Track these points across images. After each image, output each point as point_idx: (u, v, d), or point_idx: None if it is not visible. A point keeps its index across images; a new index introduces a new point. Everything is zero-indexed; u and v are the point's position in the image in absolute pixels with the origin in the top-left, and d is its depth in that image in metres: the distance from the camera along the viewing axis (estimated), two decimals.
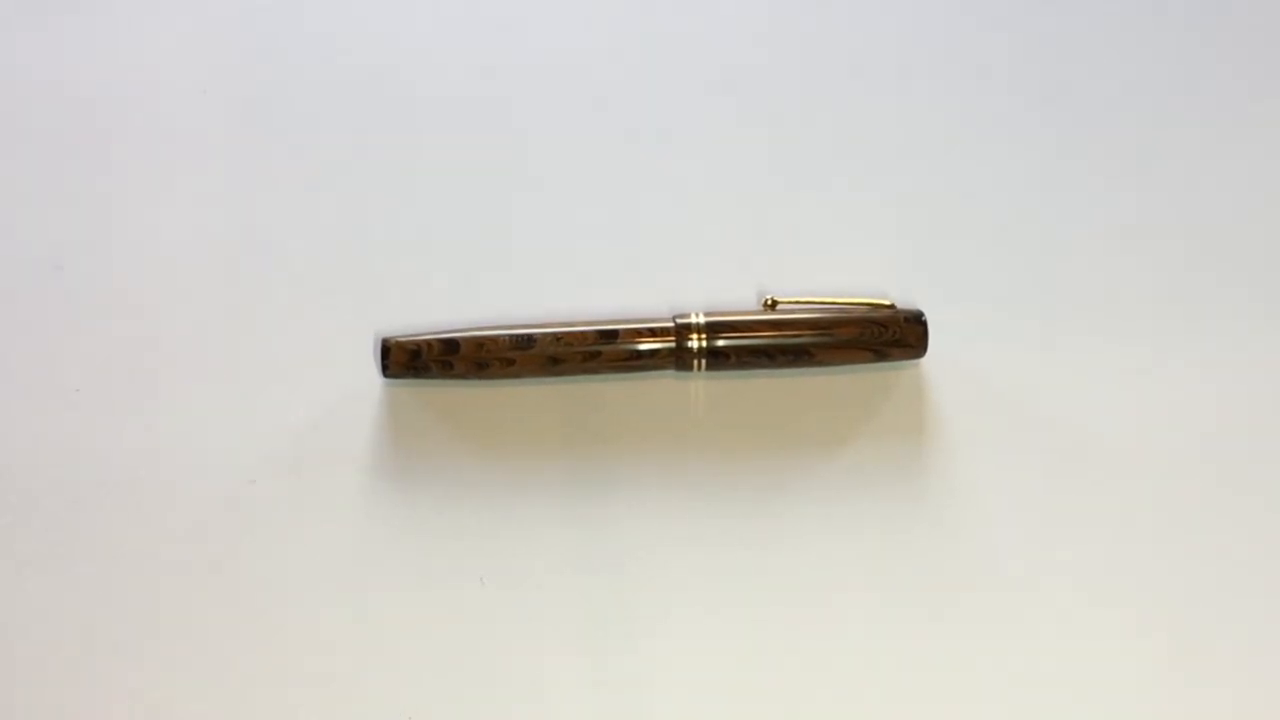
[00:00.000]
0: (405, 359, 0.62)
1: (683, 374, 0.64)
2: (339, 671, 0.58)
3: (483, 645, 0.58)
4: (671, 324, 0.63)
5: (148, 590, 0.59)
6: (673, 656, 0.59)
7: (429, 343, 0.62)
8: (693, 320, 0.63)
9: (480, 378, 0.63)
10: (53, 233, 0.68)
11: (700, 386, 0.65)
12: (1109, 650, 0.59)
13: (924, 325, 0.64)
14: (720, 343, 0.63)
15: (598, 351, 0.63)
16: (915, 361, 0.65)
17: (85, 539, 0.60)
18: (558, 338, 0.63)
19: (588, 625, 0.59)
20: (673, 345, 0.63)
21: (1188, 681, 0.59)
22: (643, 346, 0.63)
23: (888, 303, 0.65)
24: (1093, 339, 0.66)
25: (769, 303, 0.65)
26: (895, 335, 0.64)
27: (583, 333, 0.63)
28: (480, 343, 0.62)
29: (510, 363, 0.62)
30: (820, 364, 0.64)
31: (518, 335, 0.63)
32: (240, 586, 0.59)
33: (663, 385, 0.64)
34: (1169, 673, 0.59)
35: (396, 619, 0.59)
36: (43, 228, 0.68)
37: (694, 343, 0.63)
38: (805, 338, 0.64)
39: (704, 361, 0.63)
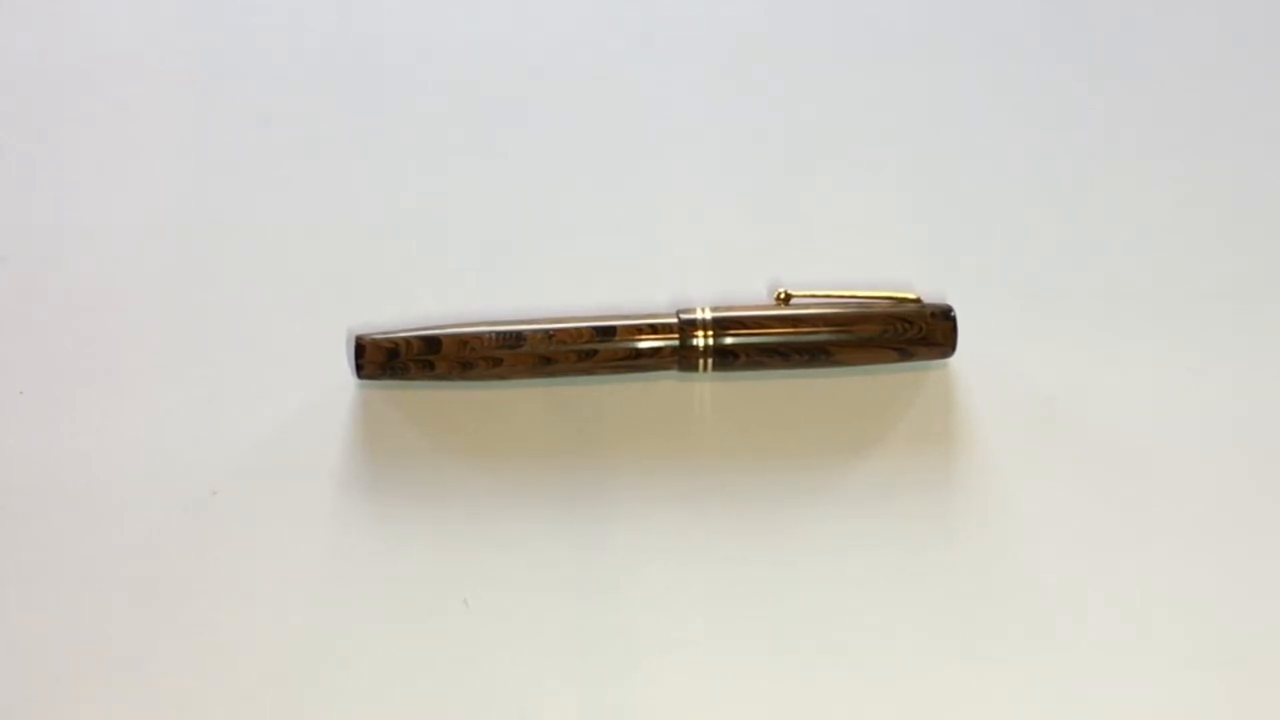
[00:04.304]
0: (381, 358, 0.62)
1: (687, 375, 0.63)
2: (308, 701, 0.57)
3: (467, 673, 0.58)
4: (675, 319, 0.63)
5: (99, 609, 0.58)
6: (675, 686, 0.58)
7: (407, 340, 0.62)
8: (698, 315, 0.62)
9: (464, 379, 0.62)
10: None
11: (706, 388, 0.64)
12: (1155, 676, 0.58)
13: (953, 321, 0.63)
14: (728, 340, 0.62)
15: (594, 350, 0.62)
16: (943, 361, 0.64)
17: (30, 553, 0.59)
18: (550, 335, 0.62)
19: (581, 652, 0.58)
20: (676, 343, 0.62)
21: (1242, 709, 0.58)
22: (643, 344, 0.62)
23: (913, 297, 0.64)
24: (1136, 336, 0.66)
25: (782, 296, 0.64)
26: (921, 332, 0.63)
27: (577, 329, 0.62)
28: (464, 340, 0.62)
29: (497, 362, 0.62)
30: (839, 364, 0.63)
31: (505, 332, 0.62)
32: (200, 606, 0.58)
33: (665, 387, 0.64)
34: (1222, 700, 0.58)
35: (372, 644, 0.58)
36: None
37: (699, 340, 0.62)
38: (822, 335, 0.63)
39: (710, 361, 0.62)
